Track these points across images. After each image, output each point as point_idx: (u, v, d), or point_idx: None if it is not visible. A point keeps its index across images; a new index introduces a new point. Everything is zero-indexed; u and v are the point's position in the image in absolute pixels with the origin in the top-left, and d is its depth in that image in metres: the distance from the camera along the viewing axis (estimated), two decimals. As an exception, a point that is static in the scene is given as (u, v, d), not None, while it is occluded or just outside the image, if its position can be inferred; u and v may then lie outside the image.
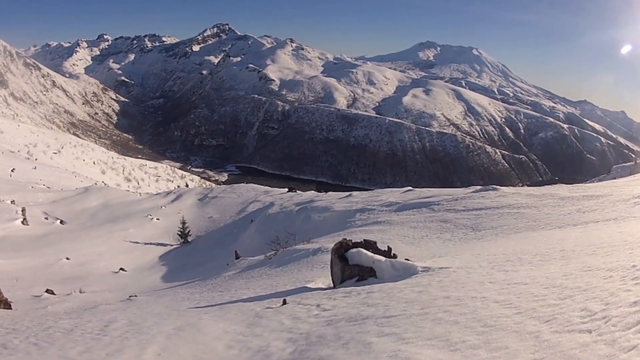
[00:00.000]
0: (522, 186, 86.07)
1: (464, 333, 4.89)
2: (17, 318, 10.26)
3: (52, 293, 17.45)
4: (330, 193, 36.87)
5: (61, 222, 34.71)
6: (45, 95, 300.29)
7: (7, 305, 13.19)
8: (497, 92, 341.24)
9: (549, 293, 5.69)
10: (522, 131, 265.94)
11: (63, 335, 7.82)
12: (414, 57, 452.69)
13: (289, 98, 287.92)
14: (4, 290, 13.59)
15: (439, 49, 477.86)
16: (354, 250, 10.01)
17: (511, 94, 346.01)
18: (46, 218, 35.29)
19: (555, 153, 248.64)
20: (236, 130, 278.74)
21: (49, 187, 54.40)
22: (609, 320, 4.28)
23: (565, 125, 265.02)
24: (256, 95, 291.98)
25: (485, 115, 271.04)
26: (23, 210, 33.32)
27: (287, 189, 42.55)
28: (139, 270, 25.61)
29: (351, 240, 10.50)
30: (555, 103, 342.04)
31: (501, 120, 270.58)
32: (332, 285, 10.29)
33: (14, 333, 8.25)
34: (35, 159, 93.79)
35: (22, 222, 31.70)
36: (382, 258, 9.68)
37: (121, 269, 24.87)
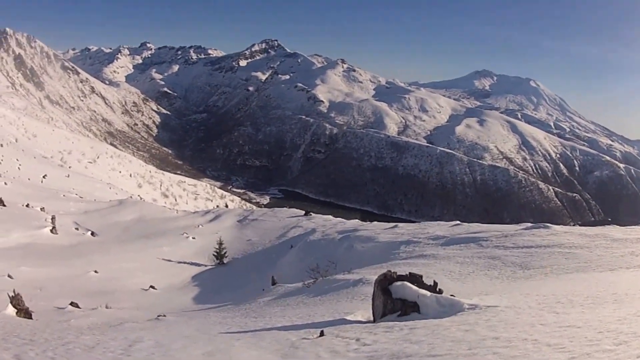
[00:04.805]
0: (573, 225, 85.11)
1: (516, 377, 4.83)
2: (37, 329, 10.18)
3: (77, 306, 17.45)
4: (375, 223, 36.76)
5: (92, 233, 35.08)
6: (82, 101, 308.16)
7: (27, 314, 13.17)
8: (553, 127, 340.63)
9: (603, 338, 5.80)
10: (577, 168, 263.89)
11: (83, 352, 7.70)
12: (469, 86, 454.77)
13: (337, 121, 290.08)
14: (26, 299, 13.60)
15: (495, 78, 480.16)
16: (399, 283, 9.89)
17: (567, 129, 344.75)
18: (77, 228, 35.72)
19: (610, 193, 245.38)
20: (281, 151, 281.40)
21: (81, 197, 55.26)
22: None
23: (621, 165, 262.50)
24: (303, 116, 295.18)
25: (539, 150, 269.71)
26: (53, 218, 33.77)
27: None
28: (170, 289, 25.64)
29: (395, 272, 10.34)
30: (612, 141, 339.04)
31: (556, 156, 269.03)
32: (372, 319, 10.16)
33: (31, 345, 8.15)
34: (69, 167, 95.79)
35: (51, 231, 32.09)
36: (428, 293, 9.62)
37: (151, 286, 24.90)
